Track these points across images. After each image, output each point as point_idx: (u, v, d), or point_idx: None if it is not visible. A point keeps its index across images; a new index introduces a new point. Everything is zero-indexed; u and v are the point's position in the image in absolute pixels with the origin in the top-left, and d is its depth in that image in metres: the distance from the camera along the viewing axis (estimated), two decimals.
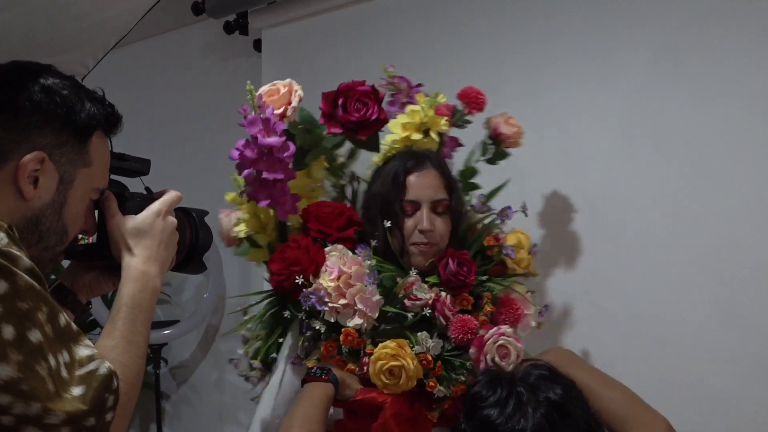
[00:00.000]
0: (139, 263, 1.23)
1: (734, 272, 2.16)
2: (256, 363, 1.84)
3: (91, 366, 1.04)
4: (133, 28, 1.77)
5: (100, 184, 1.26)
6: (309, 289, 1.72)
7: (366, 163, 2.04)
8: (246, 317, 1.90)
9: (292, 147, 1.76)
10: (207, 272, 3.43)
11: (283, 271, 1.76)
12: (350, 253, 1.75)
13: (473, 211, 1.98)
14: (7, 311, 0.97)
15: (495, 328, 1.72)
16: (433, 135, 1.93)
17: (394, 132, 1.93)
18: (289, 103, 1.80)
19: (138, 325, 1.17)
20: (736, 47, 2.19)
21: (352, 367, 1.73)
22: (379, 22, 2.92)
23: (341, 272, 1.71)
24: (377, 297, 1.72)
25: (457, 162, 2.12)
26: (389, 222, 1.79)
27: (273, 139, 1.73)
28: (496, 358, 1.67)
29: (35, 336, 0.99)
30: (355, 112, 1.82)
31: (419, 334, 1.71)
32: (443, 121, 1.95)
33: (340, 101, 1.83)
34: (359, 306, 1.70)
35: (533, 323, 1.88)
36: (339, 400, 1.68)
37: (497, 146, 2.12)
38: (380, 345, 1.69)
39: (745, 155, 2.18)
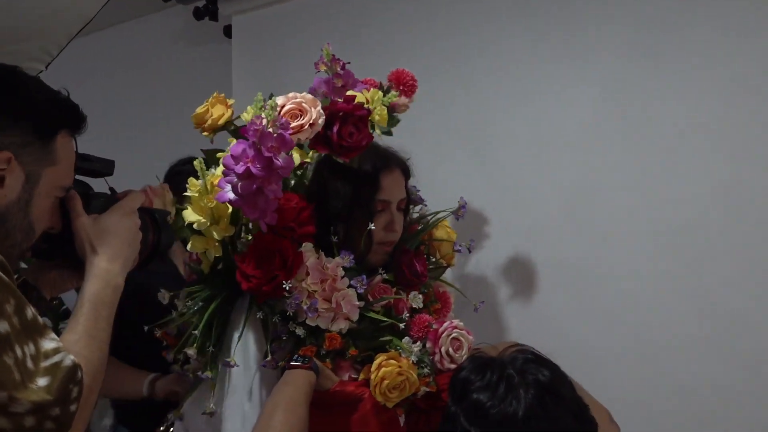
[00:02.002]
0: (103, 261, 1.26)
1: (707, 260, 2.19)
2: (192, 351, 1.74)
3: (56, 358, 1.07)
4: (96, 14, 1.75)
5: (65, 183, 1.28)
6: (294, 294, 1.68)
7: None
8: (184, 311, 1.80)
9: (291, 161, 1.65)
10: None
11: (264, 275, 1.68)
12: (323, 253, 1.74)
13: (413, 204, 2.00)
14: None
15: (447, 322, 1.78)
16: (377, 131, 1.89)
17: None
18: (313, 126, 1.69)
19: (100, 320, 1.21)
20: (711, 30, 2.20)
21: (326, 363, 1.73)
22: (348, 7, 2.91)
23: (324, 276, 1.70)
24: (356, 300, 1.71)
25: None
26: (373, 225, 1.78)
27: (286, 160, 1.59)
28: (450, 350, 1.74)
29: (2, 327, 1.02)
30: (348, 137, 1.71)
31: (404, 340, 1.73)
32: (384, 113, 1.90)
33: (336, 127, 1.71)
34: (344, 310, 1.69)
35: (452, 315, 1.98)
36: (316, 390, 1.68)
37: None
38: (378, 360, 1.70)
39: (719, 142, 2.19)
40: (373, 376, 1.68)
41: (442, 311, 1.92)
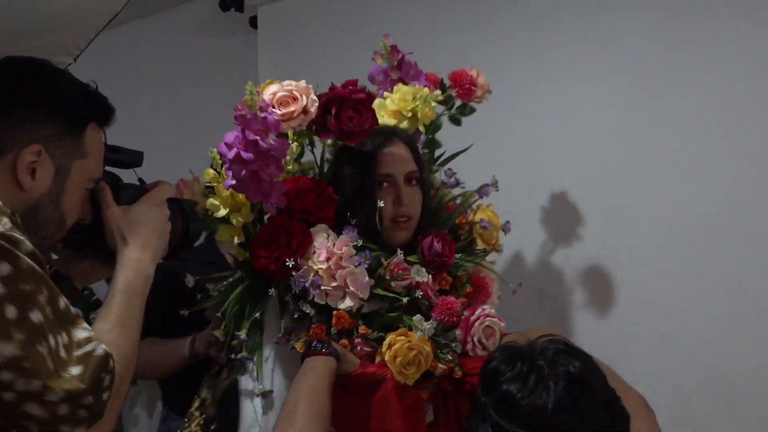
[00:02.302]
0: (133, 251, 1.28)
1: (736, 248, 2.18)
2: (243, 336, 1.76)
3: (89, 347, 1.09)
4: (124, 6, 1.77)
5: (95, 175, 1.31)
6: (299, 272, 1.70)
7: None
8: (215, 294, 1.82)
9: (286, 143, 1.69)
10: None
11: (271, 254, 1.71)
12: (333, 233, 1.74)
13: (444, 187, 1.97)
14: (9, 292, 1.02)
15: (480, 309, 1.75)
16: (421, 127, 1.90)
17: (381, 115, 1.85)
18: (306, 113, 1.72)
19: (132, 310, 1.22)
20: (740, 13, 2.18)
21: (345, 342, 1.73)
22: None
23: (330, 253, 1.70)
24: (366, 278, 1.71)
25: None
26: (381, 202, 1.77)
27: (273, 142, 1.63)
28: (482, 339, 1.72)
29: (36, 317, 1.04)
30: (348, 121, 1.71)
31: (414, 318, 1.72)
32: (430, 111, 1.89)
33: (333, 110, 1.72)
34: (351, 288, 1.69)
35: (497, 301, 1.92)
36: (338, 375, 1.68)
37: (462, 104, 2.06)
38: (387, 340, 1.70)
39: (749, 126, 2.17)
40: (387, 357, 1.69)
41: (477, 297, 1.85)
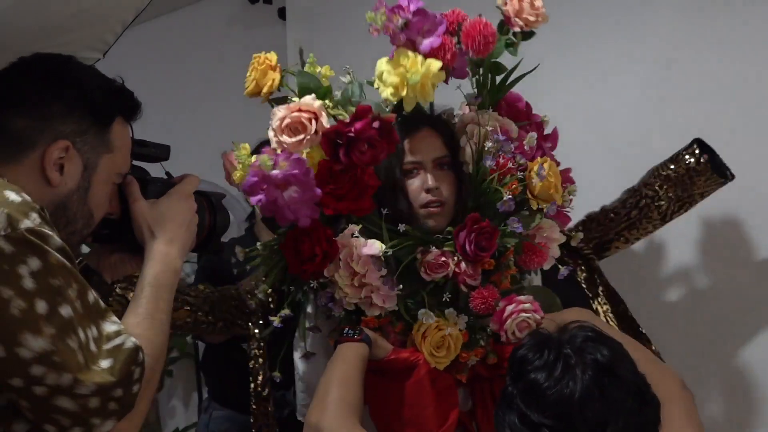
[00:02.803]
0: (161, 245, 1.28)
1: None
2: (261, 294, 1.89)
3: (118, 340, 1.10)
4: (150, 1, 1.77)
5: (122, 169, 1.31)
6: (322, 292, 1.75)
7: None
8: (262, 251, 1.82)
9: (304, 162, 1.64)
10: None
11: (298, 266, 1.71)
12: (362, 240, 1.70)
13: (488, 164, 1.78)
14: (40, 287, 1.03)
15: (514, 304, 1.71)
16: (429, 89, 1.71)
17: (386, 92, 1.72)
18: (317, 133, 1.65)
19: (161, 302, 1.23)
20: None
21: (374, 321, 1.73)
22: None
23: (353, 272, 1.67)
24: (396, 290, 1.70)
25: None
26: (394, 191, 1.77)
27: (294, 194, 1.62)
28: (517, 332, 1.70)
29: (66, 311, 1.05)
30: (361, 156, 1.62)
31: (447, 311, 1.71)
32: (436, 70, 1.68)
33: (342, 151, 1.61)
34: (377, 302, 1.69)
35: (556, 254, 1.83)
36: (371, 360, 1.70)
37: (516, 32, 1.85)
38: (416, 326, 1.71)
39: None
40: (417, 339, 1.69)
41: (530, 262, 1.79)
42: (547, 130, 1.94)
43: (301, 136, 1.63)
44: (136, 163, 1.37)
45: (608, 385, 1.20)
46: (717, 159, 2.02)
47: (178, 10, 3.75)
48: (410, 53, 1.69)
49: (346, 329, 1.70)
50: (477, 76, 1.86)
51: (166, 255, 1.27)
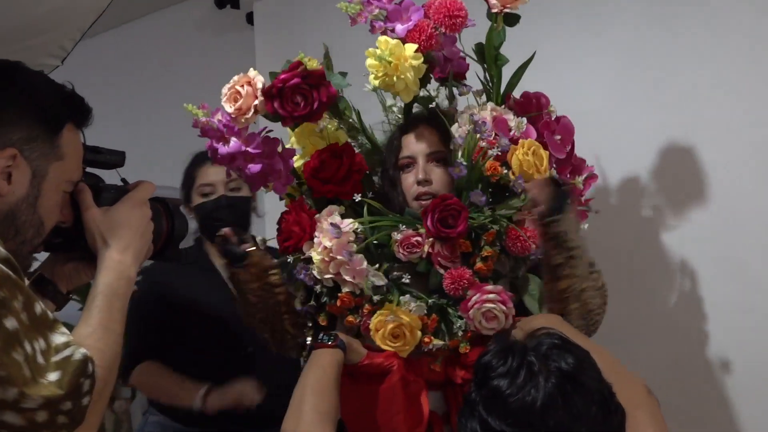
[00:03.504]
0: (114, 253, 1.25)
1: (734, 224, 2.16)
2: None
3: (67, 352, 1.07)
4: (107, 7, 1.75)
5: (73, 177, 1.27)
6: (300, 264, 1.80)
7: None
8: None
9: (255, 137, 1.80)
10: None
11: (280, 244, 1.86)
12: (338, 218, 1.77)
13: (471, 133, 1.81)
14: None
15: (479, 294, 1.71)
16: (407, 76, 1.76)
17: (373, 81, 1.80)
18: (256, 97, 1.77)
19: (114, 312, 1.20)
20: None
21: (351, 319, 1.77)
22: None
23: (323, 247, 1.73)
24: (363, 265, 1.74)
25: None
26: (389, 185, 1.88)
27: (232, 145, 1.79)
28: (483, 322, 1.71)
29: (11, 323, 1.02)
30: (296, 107, 1.74)
31: (402, 297, 1.74)
32: (412, 53, 1.75)
33: (276, 103, 1.75)
34: (346, 277, 1.73)
35: None
36: (346, 365, 1.70)
37: (500, 17, 1.92)
38: (373, 318, 1.73)
39: (743, 103, 2.16)
40: (372, 331, 1.72)
41: (514, 249, 1.77)
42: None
43: (240, 102, 1.76)
44: (90, 170, 1.34)
45: (572, 393, 1.18)
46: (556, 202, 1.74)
47: (147, 16, 3.74)
48: (386, 38, 1.77)
49: (321, 335, 1.71)
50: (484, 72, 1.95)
51: (119, 263, 1.24)
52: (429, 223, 1.72)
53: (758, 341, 2.11)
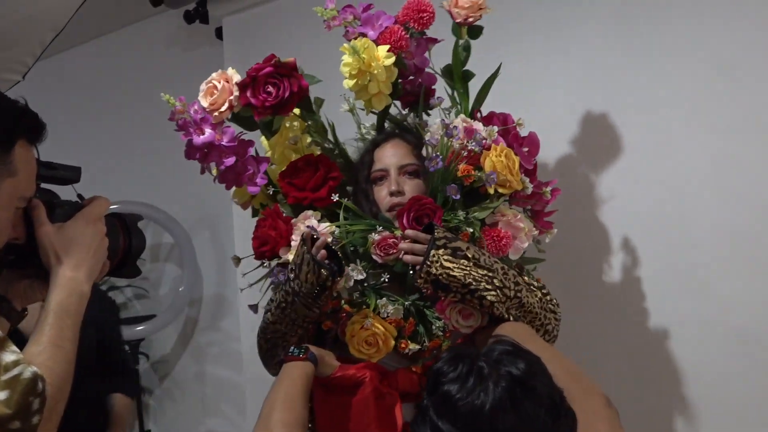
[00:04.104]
0: (67, 270, 1.24)
1: (695, 240, 2.17)
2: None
3: (16, 371, 1.06)
4: (67, 23, 1.75)
5: (26, 193, 1.25)
6: (277, 268, 1.83)
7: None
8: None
9: (229, 130, 1.84)
10: (182, 265, 3.46)
11: (256, 250, 1.87)
12: (314, 222, 1.79)
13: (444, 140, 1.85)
14: None
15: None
16: (379, 74, 1.82)
17: (347, 83, 1.87)
18: (231, 93, 1.81)
19: (65, 330, 1.19)
20: (688, 9, 2.20)
21: (329, 324, 1.79)
22: (339, 4, 2.89)
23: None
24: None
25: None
26: (362, 197, 1.89)
27: (207, 135, 1.83)
28: (461, 320, 1.73)
29: None
30: (267, 96, 1.79)
31: (379, 300, 1.75)
32: (384, 53, 1.83)
33: (249, 92, 1.81)
34: None
35: (524, 245, 1.84)
36: (317, 378, 1.70)
37: (464, 29, 1.99)
38: (349, 322, 1.75)
39: (702, 118, 2.18)
40: (347, 335, 1.73)
41: (490, 250, 1.79)
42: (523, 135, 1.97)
43: (216, 96, 1.81)
44: (45, 186, 1.32)
45: (521, 397, 1.19)
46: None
47: (116, 31, 3.73)
48: (361, 40, 1.84)
49: (292, 348, 1.70)
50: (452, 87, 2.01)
51: (71, 280, 1.23)
52: (405, 221, 1.76)
53: (720, 355, 2.12)
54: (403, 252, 1.73)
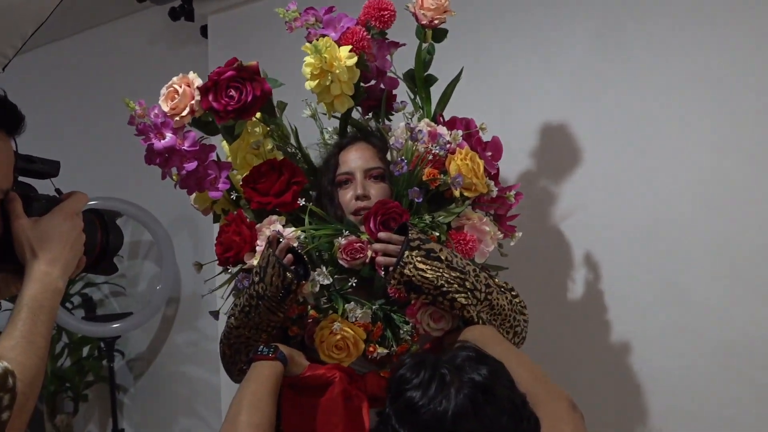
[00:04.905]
0: (42, 265, 1.22)
1: (677, 252, 2.19)
2: None
3: None
4: (50, 15, 1.71)
5: (2, 185, 1.23)
6: (242, 274, 1.82)
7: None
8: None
9: (191, 135, 1.83)
10: (160, 263, 3.43)
11: (220, 256, 1.85)
12: (279, 227, 1.79)
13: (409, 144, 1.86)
14: None
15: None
16: (341, 73, 1.82)
17: (308, 84, 1.86)
18: (193, 98, 1.80)
19: (39, 325, 1.17)
20: (674, 27, 2.21)
21: (296, 329, 1.78)
22: (322, 3, 2.89)
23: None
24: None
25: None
26: (327, 200, 1.89)
27: (168, 140, 1.81)
28: (432, 323, 1.74)
29: None
30: (230, 100, 1.78)
31: (347, 305, 1.75)
32: (346, 53, 1.83)
33: (211, 96, 1.79)
34: None
35: (490, 248, 1.86)
36: (287, 377, 1.70)
37: (429, 32, 1.99)
38: (318, 327, 1.74)
39: (686, 135, 2.19)
40: (316, 340, 1.73)
41: (465, 248, 1.81)
42: (486, 140, 1.99)
43: (177, 100, 1.82)
44: (23, 179, 1.31)
45: (483, 403, 1.19)
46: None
47: (100, 27, 3.70)
48: (323, 39, 1.84)
49: (261, 347, 1.70)
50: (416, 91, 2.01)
51: (46, 275, 1.21)
52: (372, 225, 1.76)
53: (701, 365, 2.13)
54: (375, 254, 1.74)
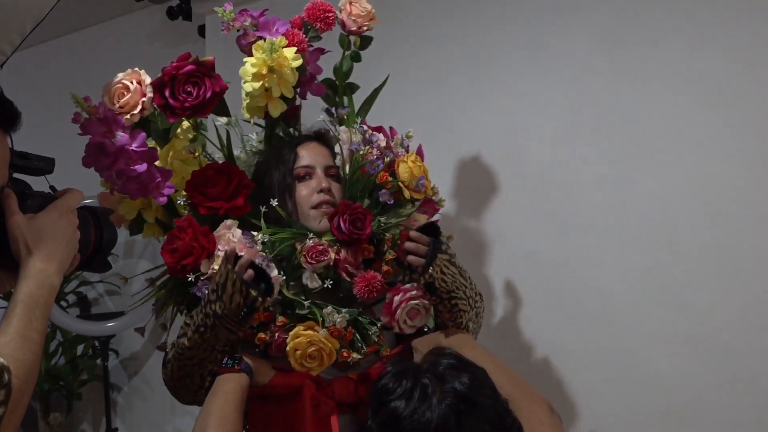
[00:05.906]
0: (37, 261, 1.22)
1: (675, 255, 2.19)
2: None
3: None
4: (50, 11, 1.72)
5: None
6: (203, 279, 1.72)
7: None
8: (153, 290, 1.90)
9: (141, 135, 1.71)
10: (156, 262, 3.42)
11: (175, 264, 1.72)
12: (239, 232, 1.74)
13: (362, 144, 1.88)
14: None
15: (401, 293, 1.75)
16: (288, 75, 1.80)
17: (249, 85, 1.80)
18: (144, 95, 1.74)
19: (34, 321, 1.17)
20: (673, 30, 2.21)
21: (264, 336, 1.73)
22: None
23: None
24: (274, 274, 1.71)
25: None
26: (283, 195, 1.83)
27: (121, 138, 1.68)
28: (408, 321, 1.75)
29: None
30: (187, 96, 1.71)
31: (324, 310, 1.72)
32: (292, 54, 1.80)
33: (167, 92, 1.72)
34: None
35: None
36: (253, 388, 1.68)
37: (356, 39, 2.01)
38: (291, 334, 1.70)
39: (685, 139, 2.20)
40: (288, 348, 1.69)
41: (406, 256, 1.80)
42: (412, 147, 2.01)
43: (128, 97, 1.73)
44: (17, 176, 1.31)
45: (465, 413, 1.19)
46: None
47: (98, 25, 3.70)
48: (278, 38, 1.80)
49: (225, 359, 1.67)
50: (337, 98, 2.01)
51: (41, 272, 1.21)
52: (342, 225, 1.75)
53: (697, 368, 2.13)
54: (406, 252, 1.75)
